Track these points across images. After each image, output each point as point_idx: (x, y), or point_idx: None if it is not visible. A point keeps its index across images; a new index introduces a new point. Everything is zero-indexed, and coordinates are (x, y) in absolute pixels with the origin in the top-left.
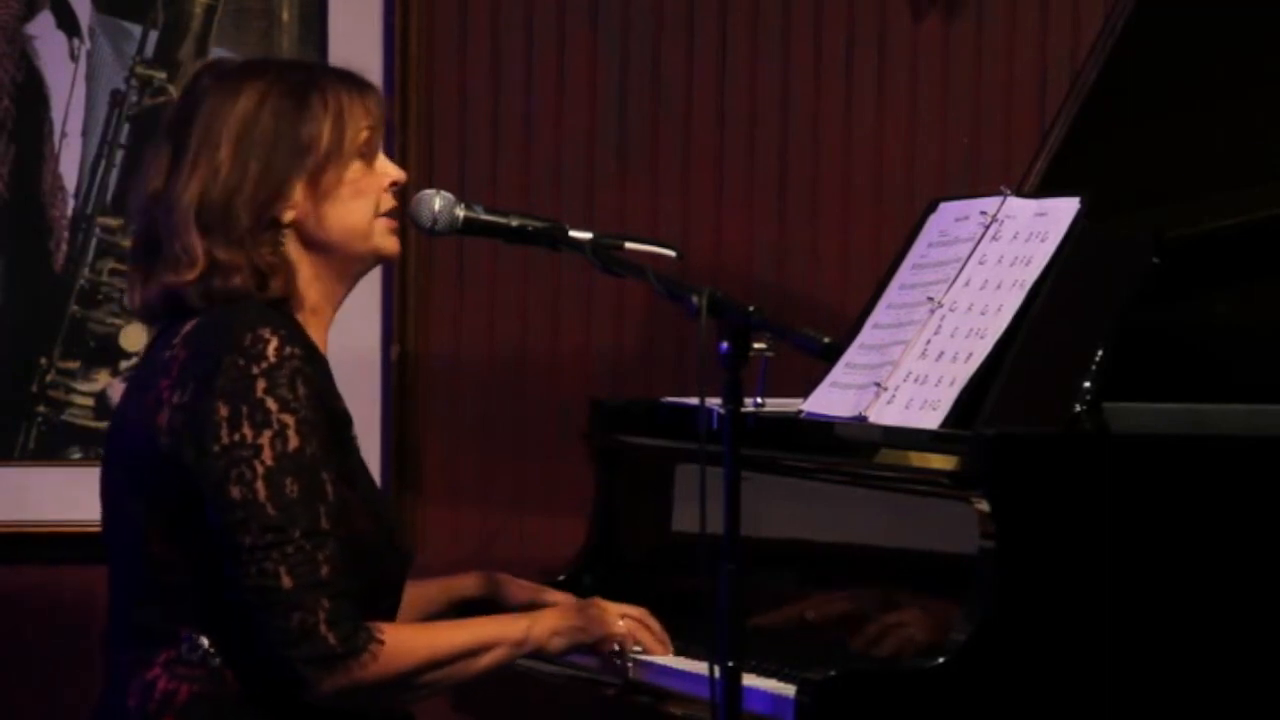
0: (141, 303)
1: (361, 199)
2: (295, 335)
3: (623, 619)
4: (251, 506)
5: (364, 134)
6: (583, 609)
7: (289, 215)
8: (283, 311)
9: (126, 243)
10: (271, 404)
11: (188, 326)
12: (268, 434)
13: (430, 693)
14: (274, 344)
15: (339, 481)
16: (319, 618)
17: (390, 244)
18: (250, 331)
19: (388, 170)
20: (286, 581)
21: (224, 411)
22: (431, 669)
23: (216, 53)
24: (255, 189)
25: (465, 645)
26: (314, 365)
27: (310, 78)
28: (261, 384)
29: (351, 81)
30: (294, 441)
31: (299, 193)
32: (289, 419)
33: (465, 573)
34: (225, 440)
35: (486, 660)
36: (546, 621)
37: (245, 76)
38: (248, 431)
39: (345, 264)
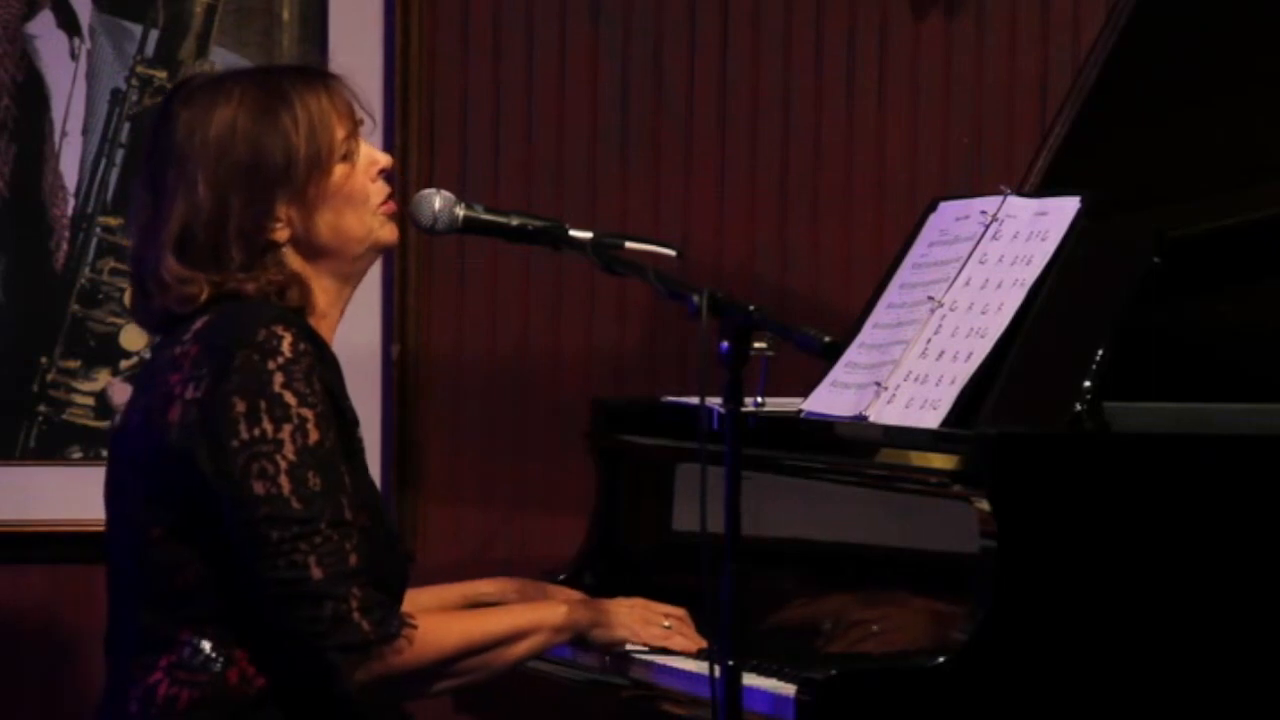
0: (151, 323)
1: (352, 201)
2: (307, 333)
3: (667, 619)
4: (276, 501)
5: (340, 135)
6: (631, 610)
7: (282, 235)
8: (297, 312)
9: (127, 242)
10: (290, 398)
11: (199, 323)
12: (288, 428)
13: (467, 681)
14: (288, 339)
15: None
16: (351, 605)
17: (389, 233)
18: (265, 327)
19: (375, 158)
20: (316, 572)
21: (241, 407)
22: (467, 655)
23: (217, 52)
24: (240, 221)
25: (503, 631)
26: (325, 365)
27: (277, 91)
28: (279, 378)
29: (318, 81)
30: (314, 435)
31: (287, 211)
32: (308, 413)
33: (487, 578)
34: (245, 435)
35: (525, 646)
36: (593, 611)
37: (212, 100)
38: (268, 426)
39: (346, 264)
